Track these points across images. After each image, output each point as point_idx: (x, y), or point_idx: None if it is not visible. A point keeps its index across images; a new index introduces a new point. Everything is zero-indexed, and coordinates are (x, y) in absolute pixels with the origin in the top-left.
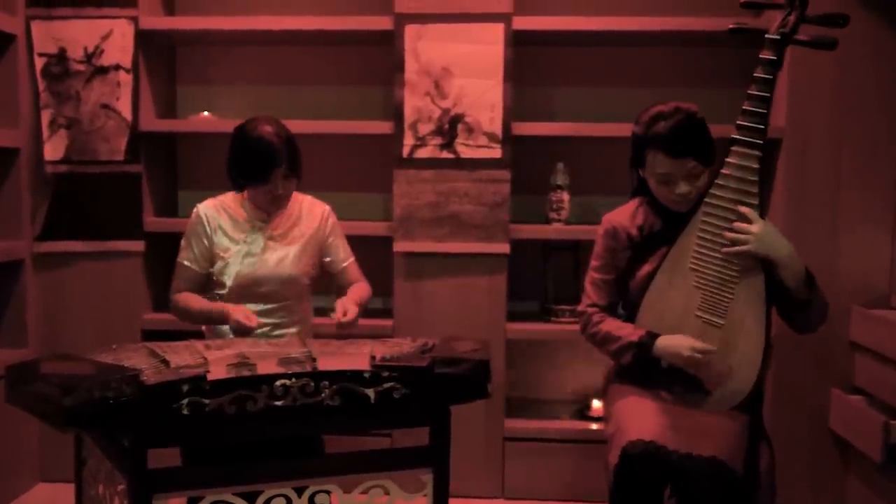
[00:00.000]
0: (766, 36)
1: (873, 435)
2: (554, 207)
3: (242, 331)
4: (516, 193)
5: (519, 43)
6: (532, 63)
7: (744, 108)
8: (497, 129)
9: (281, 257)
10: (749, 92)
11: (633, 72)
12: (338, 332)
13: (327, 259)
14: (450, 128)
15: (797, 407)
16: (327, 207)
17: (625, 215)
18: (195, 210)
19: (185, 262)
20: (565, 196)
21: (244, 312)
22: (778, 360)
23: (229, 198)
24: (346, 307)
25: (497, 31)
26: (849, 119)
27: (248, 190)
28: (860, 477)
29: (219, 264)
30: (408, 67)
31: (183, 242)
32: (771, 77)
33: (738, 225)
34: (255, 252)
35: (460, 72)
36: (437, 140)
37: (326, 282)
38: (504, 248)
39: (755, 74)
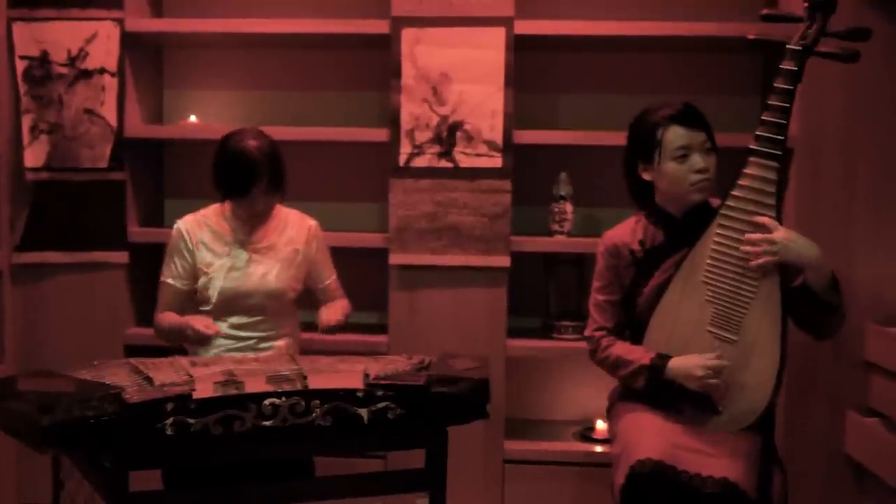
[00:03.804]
0: (788, 46)
1: (891, 459)
2: (556, 219)
3: (201, 340)
4: (517, 204)
5: (521, 48)
6: (534, 69)
7: (762, 118)
8: (497, 137)
9: (265, 271)
10: (768, 102)
11: (639, 78)
12: (321, 333)
13: (310, 277)
14: (448, 135)
15: (810, 430)
16: (314, 223)
17: (625, 231)
18: (175, 226)
19: (168, 280)
20: (568, 207)
21: (203, 322)
22: (789, 382)
23: (211, 211)
24: (330, 313)
25: (498, 35)
26: (863, 127)
27: (229, 202)
28: (877, 503)
29: (202, 279)
30: (405, 72)
31: (165, 260)
32: (791, 88)
33: (760, 236)
34: (240, 266)
35: (459, 77)
36: (435, 148)
37: (311, 298)
38: (504, 261)
39: (775, 85)
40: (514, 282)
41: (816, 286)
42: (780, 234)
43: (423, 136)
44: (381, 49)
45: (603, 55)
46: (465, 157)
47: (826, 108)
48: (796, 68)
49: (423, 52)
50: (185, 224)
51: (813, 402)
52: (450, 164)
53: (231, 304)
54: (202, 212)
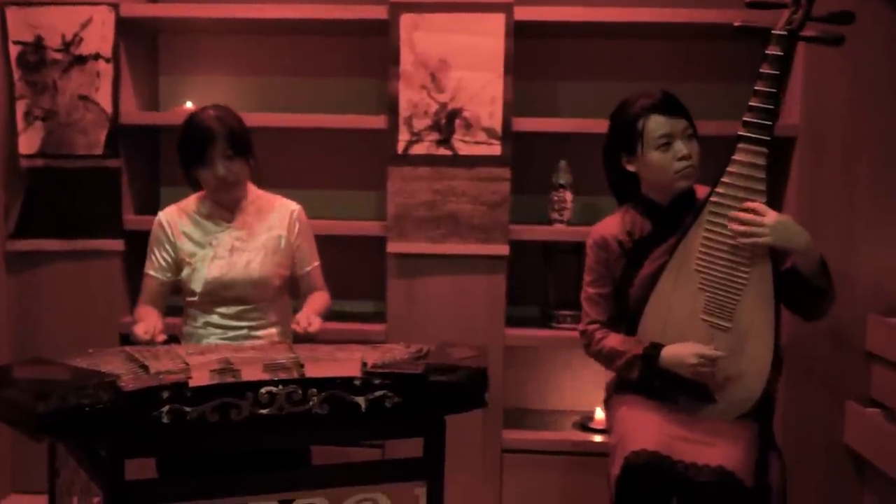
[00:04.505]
0: (773, 32)
1: (891, 450)
2: (556, 207)
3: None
4: (516, 192)
5: (520, 34)
6: (534, 55)
7: (750, 104)
8: (497, 124)
9: (249, 259)
10: (756, 88)
11: (640, 65)
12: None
13: (292, 263)
14: (447, 123)
15: (810, 421)
16: (297, 208)
17: (612, 224)
18: (156, 218)
19: (150, 272)
20: (568, 195)
21: (144, 328)
22: (789, 371)
23: (191, 200)
24: (309, 319)
25: (497, 21)
26: (865, 117)
27: (197, 176)
28: (877, 495)
29: (186, 270)
30: (403, 59)
31: (147, 252)
32: (778, 73)
33: (750, 217)
34: (223, 255)
35: (458, 64)
36: (434, 136)
37: (291, 285)
38: (503, 249)
39: (761, 70)
40: (512, 271)
41: (806, 270)
42: (771, 218)
43: (421, 124)
44: (379, 35)
45: (603, 42)
46: (463, 145)
47: (827, 96)
48: (782, 53)
49: (421, 39)
50: (166, 215)
51: (813, 392)
52: (448, 152)
53: (216, 294)
54: (183, 202)
